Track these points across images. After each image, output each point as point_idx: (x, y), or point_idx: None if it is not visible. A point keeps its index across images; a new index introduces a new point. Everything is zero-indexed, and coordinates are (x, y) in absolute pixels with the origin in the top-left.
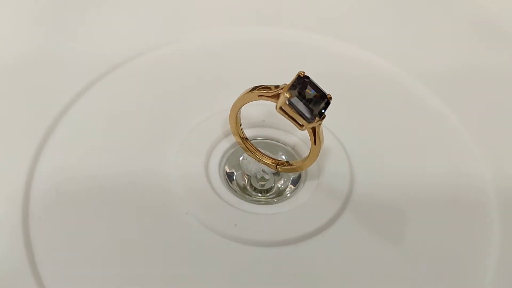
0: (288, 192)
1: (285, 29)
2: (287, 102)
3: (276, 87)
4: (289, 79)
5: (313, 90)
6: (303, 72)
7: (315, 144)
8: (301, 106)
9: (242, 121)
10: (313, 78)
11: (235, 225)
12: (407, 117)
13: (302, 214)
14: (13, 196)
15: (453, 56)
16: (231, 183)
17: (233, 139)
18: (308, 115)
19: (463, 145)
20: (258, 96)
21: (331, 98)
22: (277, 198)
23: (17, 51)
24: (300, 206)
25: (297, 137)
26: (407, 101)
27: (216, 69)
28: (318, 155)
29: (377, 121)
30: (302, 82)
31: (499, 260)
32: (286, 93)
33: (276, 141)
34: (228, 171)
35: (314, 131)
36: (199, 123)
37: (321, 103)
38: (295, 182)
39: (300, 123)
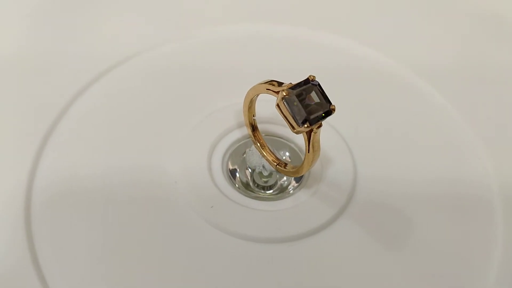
0: (290, 189)
1: (290, 27)
2: (283, 101)
3: (282, 84)
4: (293, 78)
5: (316, 97)
6: (314, 76)
7: (308, 152)
8: (295, 108)
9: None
10: (318, 75)
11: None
12: (410, 114)
13: (304, 212)
14: (15, 195)
15: (457, 52)
16: (234, 179)
17: (235, 135)
18: (299, 119)
19: (467, 142)
20: (266, 89)
21: (334, 109)
22: (279, 194)
23: (18, 51)
24: (302, 204)
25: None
26: (410, 98)
27: (218, 67)
28: (311, 164)
29: (380, 118)
30: (308, 86)
31: (502, 257)
32: (284, 91)
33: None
34: (231, 167)
35: (309, 137)
36: (201, 120)
37: (320, 111)
38: (298, 179)
39: (292, 125)
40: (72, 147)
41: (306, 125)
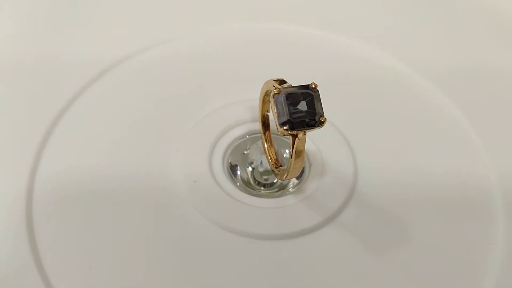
0: (291, 187)
1: (293, 26)
2: (273, 98)
3: (283, 82)
4: (294, 77)
5: (310, 104)
6: (316, 84)
7: (291, 158)
8: (281, 108)
9: None
10: (322, 74)
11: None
12: (413, 114)
13: (303, 209)
14: (16, 198)
15: (461, 54)
16: (235, 177)
17: (235, 133)
18: (281, 119)
19: (469, 144)
20: (273, 86)
21: (323, 122)
22: (280, 192)
23: (15, 53)
24: (302, 201)
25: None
26: (413, 99)
27: (216, 67)
28: (291, 170)
29: (383, 119)
30: (306, 92)
31: (503, 261)
32: (276, 89)
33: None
34: (232, 165)
35: (293, 143)
36: (202, 118)
37: (307, 118)
38: (299, 177)
39: (276, 124)
40: (72, 150)
41: (285, 128)
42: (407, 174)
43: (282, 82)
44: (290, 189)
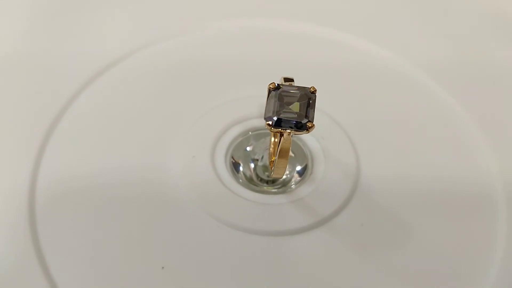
0: (293, 184)
1: (296, 23)
2: (268, 91)
3: (290, 80)
4: (296, 74)
5: (302, 107)
6: (315, 89)
7: (276, 156)
8: (272, 103)
9: None
10: (326, 71)
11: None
12: (414, 110)
13: (304, 206)
14: (18, 195)
15: (462, 49)
16: (237, 173)
17: (237, 130)
18: (268, 114)
19: (471, 140)
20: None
21: (310, 127)
22: (282, 188)
23: (16, 51)
24: (303, 198)
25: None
26: (414, 94)
27: (217, 62)
28: (275, 168)
29: (384, 114)
30: (302, 94)
31: (504, 256)
32: (271, 84)
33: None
34: (234, 161)
35: (279, 141)
36: (203, 115)
37: (295, 120)
38: (301, 173)
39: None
40: (74, 146)
41: (268, 123)
42: (409, 172)
43: (288, 80)
44: (292, 186)
